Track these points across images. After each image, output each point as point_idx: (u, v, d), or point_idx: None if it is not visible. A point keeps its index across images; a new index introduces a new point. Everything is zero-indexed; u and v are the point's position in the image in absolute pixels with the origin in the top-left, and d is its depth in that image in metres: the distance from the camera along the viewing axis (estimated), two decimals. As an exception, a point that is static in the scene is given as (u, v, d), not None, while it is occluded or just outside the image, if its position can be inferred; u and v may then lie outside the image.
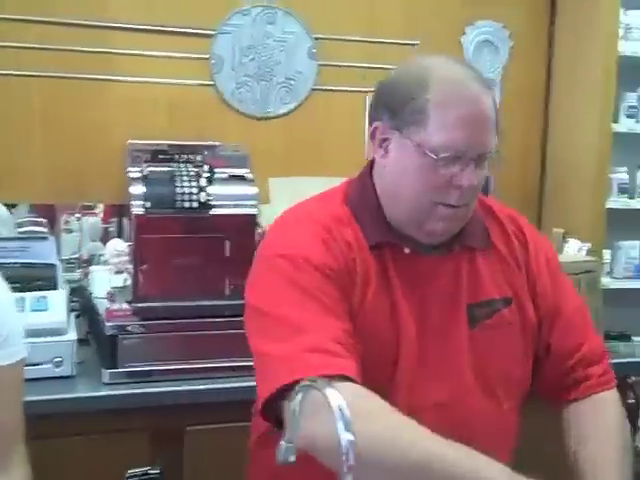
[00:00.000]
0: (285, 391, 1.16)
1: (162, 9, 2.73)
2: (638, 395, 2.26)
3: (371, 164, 1.44)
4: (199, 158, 2.28)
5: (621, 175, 3.26)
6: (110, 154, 2.58)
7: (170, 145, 2.34)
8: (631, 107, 3.23)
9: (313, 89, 2.74)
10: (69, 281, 2.36)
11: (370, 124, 1.40)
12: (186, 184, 2.18)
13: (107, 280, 2.14)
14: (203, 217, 2.17)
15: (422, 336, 1.37)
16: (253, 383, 1.85)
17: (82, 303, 2.31)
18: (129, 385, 2.02)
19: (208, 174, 2.22)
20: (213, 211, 2.18)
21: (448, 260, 1.41)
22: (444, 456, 1.14)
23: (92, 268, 2.33)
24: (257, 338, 1.31)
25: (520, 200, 3.14)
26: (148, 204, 2.11)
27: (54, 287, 2.15)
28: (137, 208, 2.11)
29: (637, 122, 3.24)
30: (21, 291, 2.00)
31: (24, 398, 1.41)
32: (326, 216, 1.38)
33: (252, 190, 2.26)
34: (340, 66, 2.76)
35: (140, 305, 2.09)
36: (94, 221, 2.65)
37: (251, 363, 2.00)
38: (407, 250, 1.39)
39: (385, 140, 1.37)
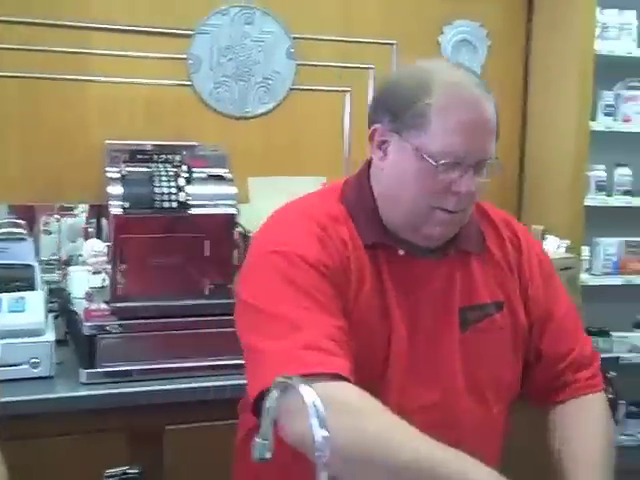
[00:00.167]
0: None
1: (140, 9, 2.73)
2: (616, 390, 2.27)
3: (369, 164, 1.44)
4: (178, 158, 2.27)
5: (599, 173, 3.29)
6: (88, 154, 2.57)
7: (148, 145, 2.33)
8: (608, 105, 3.27)
9: (291, 89, 2.73)
10: (48, 282, 2.35)
11: (369, 126, 1.39)
12: (165, 184, 2.17)
13: (85, 280, 2.13)
14: (182, 217, 2.16)
15: (413, 338, 1.37)
16: (234, 382, 1.86)
17: (61, 304, 2.30)
18: (108, 385, 2.01)
19: (187, 174, 2.22)
20: (192, 211, 2.17)
21: (442, 263, 1.41)
22: (432, 457, 1.15)
23: (70, 269, 2.32)
24: (249, 334, 1.30)
25: (499, 198, 3.15)
26: (127, 204, 2.10)
27: (32, 288, 2.14)
28: (115, 208, 2.10)
29: (614, 120, 3.27)
30: (-1, 292, 1.99)
31: (0, 399, 1.40)
32: (322, 214, 1.37)
33: (231, 190, 2.26)
34: (318, 66, 2.75)
35: (118, 305, 2.08)
36: (73, 222, 2.63)
37: (231, 362, 2.01)
38: (402, 252, 1.38)
39: (384, 142, 1.36)
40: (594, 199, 3.24)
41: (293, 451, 1.17)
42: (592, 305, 2.85)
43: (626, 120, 3.28)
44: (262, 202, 2.43)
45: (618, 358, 2.82)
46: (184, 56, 2.69)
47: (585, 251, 3.25)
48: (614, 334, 3.32)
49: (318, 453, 0.93)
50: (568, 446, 1.39)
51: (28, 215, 2.58)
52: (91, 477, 1.54)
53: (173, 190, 2.16)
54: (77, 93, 2.66)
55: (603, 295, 3.30)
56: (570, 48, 3.16)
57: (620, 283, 3.34)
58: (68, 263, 2.47)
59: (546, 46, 3.29)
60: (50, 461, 1.90)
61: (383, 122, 1.36)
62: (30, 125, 2.61)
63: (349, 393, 1.20)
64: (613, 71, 3.24)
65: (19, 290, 2.09)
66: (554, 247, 2.96)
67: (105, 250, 2.13)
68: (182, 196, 2.17)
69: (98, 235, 2.51)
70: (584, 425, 1.42)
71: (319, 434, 0.94)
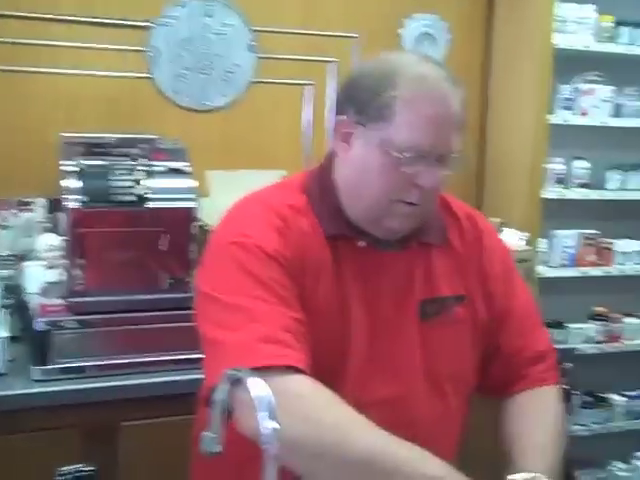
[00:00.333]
0: None
1: (98, 0, 2.69)
2: (571, 381, 2.30)
3: (332, 156, 1.43)
4: (136, 151, 2.24)
5: (557, 166, 3.33)
6: (45, 148, 2.53)
7: (106, 138, 2.30)
8: (566, 99, 3.30)
9: (252, 82, 2.72)
10: (4, 278, 2.31)
11: (335, 117, 1.39)
12: (123, 177, 2.15)
13: (41, 275, 2.11)
14: (140, 211, 2.14)
15: (373, 330, 1.37)
16: (191, 376, 1.85)
17: (16, 300, 2.27)
18: (61, 382, 1.98)
19: (145, 167, 2.19)
20: (150, 205, 2.15)
21: (403, 256, 1.41)
22: (387, 450, 1.15)
23: (25, 264, 2.29)
24: (207, 325, 1.30)
25: (460, 191, 3.17)
26: (83, 198, 2.08)
27: (-15, 284, 2.12)
28: (72, 202, 2.07)
29: (572, 114, 3.30)
30: (-49, 288, 1.96)
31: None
32: (282, 205, 1.37)
33: (190, 183, 2.24)
34: (279, 59, 2.75)
35: (74, 300, 2.05)
36: (30, 217, 2.60)
37: (189, 356, 2.00)
38: (362, 244, 1.38)
39: (349, 134, 1.36)
40: (552, 192, 3.28)
41: (250, 446, 1.17)
42: (548, 297, 2.88)
43: (583, 113, 3.32)
44: (222, 196, 2.41)
45: (573, 349, 2.87)
46: (144, 48, 2.67)
47: (542, 243, 3.28)
48: (570, 326, 3.39)
49: (266, 445, 0.94)
50: (519, 437, 1.40)
51: (-16, 210, 2.55)
52: (44, 475, 1.52)
53: (131, 184, 2.14)
54: (34, 86, 2.62)
55: (559, 287, 3.34)
56: (529, 42, 3.19)
57: (576, 275, 3.39)
58: (24, 258, 2.43)
59: (506, 40, 3.32)
60: (1, 459, 1.87)
61: (348, 114, 1.35)
62: (-14, 118, 2.58)
63: (304, 385, 1.20)
64: (571, 65, 3.28)
65: (-27, 286, 2.07)
66: (512, 239, 2.99)
67: (61, 244, 2.11)
68: (140, 190, 2.14)
69: (56, 230, 2.48)
70: (534, 417, 1.43)
71: (267, 426, 0.94)
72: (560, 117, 3.26)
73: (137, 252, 2.13)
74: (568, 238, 3.38)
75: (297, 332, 1.25)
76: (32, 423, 1.92)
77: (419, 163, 1.30)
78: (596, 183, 3.42)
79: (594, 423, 3.52)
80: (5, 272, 2.39)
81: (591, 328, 3.47)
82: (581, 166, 3.37)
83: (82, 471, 1.44)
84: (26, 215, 2.59)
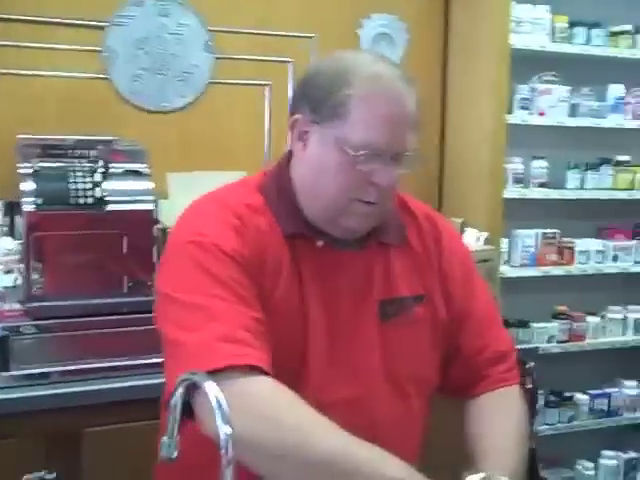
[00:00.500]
0: None
1: (57, 1, 2.65)
2: (536, 380, 2.31)
3: (289, 155, 1.42)
4: (93, 153, 2.22)
5: (516, 165, 3.35)
6: (2, 150, 2.48)
7: (63, 140, 2.26)
8: (524, 99, 3.32)
9: (210, 82, 2.69)
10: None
11: (291, 116, 1.38)
12: (80, 180, 2.12)
13: (-3, 280, 2.07)
14: (98, 213, 2.11)
15: (331, 331, 1.36)
16: (155, 381, 1.81)
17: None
18: (22, 388, 1.94)
19: (103, 169, 2.17)
20: (109, 207, 2.13)
21: (361, 255, 1.40)
22: (347, 450, 1.15)
23: (-20, 269, 2.24)
24: (168, 326, 1.28)
25: (420, 191, 3.18)
26: (40, 201, 2.04)
27: (-58, 289, 2.07)
28: (28, 205, 2.04)
29: (530, 114, 3.33)
30: None
31: None
32: (239, 204, 1.36)
33: (148, 185, 2.22)
34: (237, 59, 2.73)
35: (32, 305, 2.02)
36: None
37: (152, 360, 1.97)
38: (320, 243, 1.38)
39: (305, 133, 1.35)
40: (512, 191, 3.30)
41: (212, 448, 1.15)
42: (511, 296, 2.91)
43: (541, 113, 3.35)
44: (181, 198, 2.37)
45: (537, 348, 2.88)
46: (100, 49, 2.63)
47: (504, 243, 3.30)
48: (533, 325, 3.41)
49: (222, 450, 0.92)
50: (481, 438, 1.40)
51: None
52: (7, 484, 1.49)
53: (89, 186, 2.11)
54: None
55: (522, 286, 3.37)
56: (487, 42, 3.22)
57: (538, 274, 3.41)
58: (-20, 263, 2.38)
59: (463, 40, 3.34)
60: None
61: (304, 112, 1.35)
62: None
63: (265, 385, 1.19)
64: (528, 65, 3.31)
65: None
66: (473, 239, 3.01)
67: (17, 248, 2.07)
68: (98, 192, 2.12)
69: (12, 233, 2.44)
70: (496, 418, 1.43)
71: (223, 431, 0.93)
72: (518, 117, 3.29)
73: (96, 255, 2.10)
74: (528, 237, 3.40)
75: (257, 331, 1.24)
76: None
77: (375, 161, 1.30)
78: (555, 182, 3.45)
79: (559, 422, 3.55)
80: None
81: (554, 327, 3.49)
82: (540, 165, 3.40)
83: (46, 478, 1.41)
84: (-17, 219, 2.53)
